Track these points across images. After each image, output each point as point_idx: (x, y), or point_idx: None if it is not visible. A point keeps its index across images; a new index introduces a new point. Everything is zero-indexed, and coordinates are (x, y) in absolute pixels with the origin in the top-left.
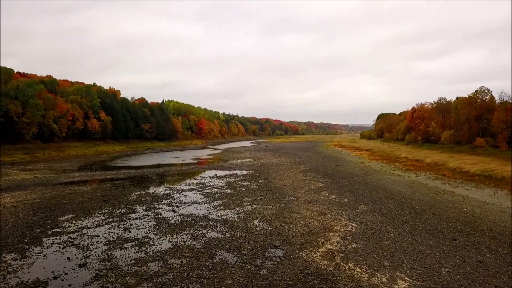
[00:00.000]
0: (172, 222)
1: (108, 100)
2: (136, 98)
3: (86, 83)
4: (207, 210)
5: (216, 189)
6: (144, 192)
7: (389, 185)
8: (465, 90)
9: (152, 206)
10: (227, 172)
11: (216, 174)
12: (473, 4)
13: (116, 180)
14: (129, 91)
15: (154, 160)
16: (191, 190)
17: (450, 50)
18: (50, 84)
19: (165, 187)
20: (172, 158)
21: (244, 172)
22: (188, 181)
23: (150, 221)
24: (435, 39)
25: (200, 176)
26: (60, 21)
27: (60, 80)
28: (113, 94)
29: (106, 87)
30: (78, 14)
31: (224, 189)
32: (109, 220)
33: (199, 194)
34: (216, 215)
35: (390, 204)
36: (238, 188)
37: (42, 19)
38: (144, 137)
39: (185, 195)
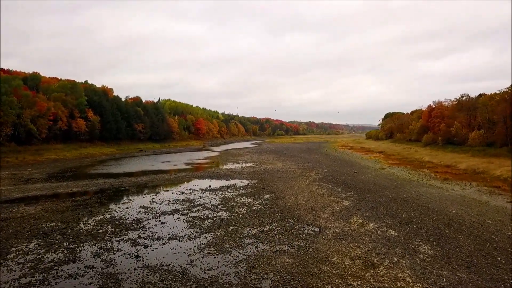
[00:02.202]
0: (126, 286)
1: (96, 98)
2: (138, 97)
3: (77, 81)
4: (189, 256)
5: (207, 211)
6: (108, 217)
7: (437, 204)
8: (467, 89)
9: (109, 245)
10: (224, 183)
11: (210, 186)
12: (475, 4)
13: (82, 194)
14: (132, 90)
15: (142, 165)
16: (173, 212)
17: (454, 49)
18: (31, 80)
19: (140, 207)
20: (163, 162)
21: (244, 182)
22: (173, 197)
23: (91, 281)
24: (437, 39)
25: (190, 189)
26: (63, 21)
27: (47, 77)
28: (104, 92)
29: (108, 87)
30: (82, 14)
31: (218, 211)
32: (22, 282)
33: (183, 220)
34: (201, 267)
35: (463, 241)
36: (237, 209)
37: (44, 18)
38: (137, 138)
39: (163, 223)
